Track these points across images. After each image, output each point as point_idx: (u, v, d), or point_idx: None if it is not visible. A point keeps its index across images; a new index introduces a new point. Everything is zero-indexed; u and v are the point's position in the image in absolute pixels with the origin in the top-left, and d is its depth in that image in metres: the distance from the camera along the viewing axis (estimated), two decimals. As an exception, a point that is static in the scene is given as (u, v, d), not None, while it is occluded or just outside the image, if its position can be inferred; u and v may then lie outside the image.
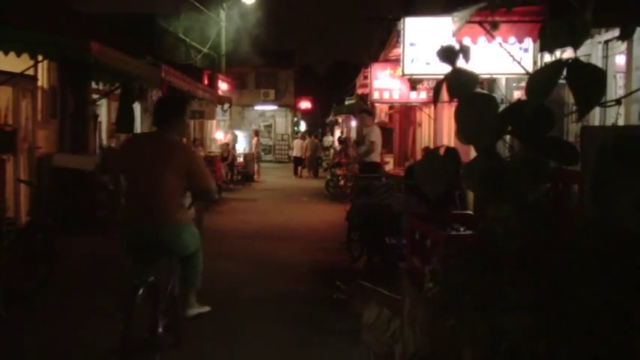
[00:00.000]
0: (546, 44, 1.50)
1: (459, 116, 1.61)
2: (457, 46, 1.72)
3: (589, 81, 1.36)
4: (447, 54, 1.67)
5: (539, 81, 1.42)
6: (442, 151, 1.64)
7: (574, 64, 1.37)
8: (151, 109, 14.53)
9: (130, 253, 4.99)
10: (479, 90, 1.64)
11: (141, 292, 4.54)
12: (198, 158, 5.29)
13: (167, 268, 5.03)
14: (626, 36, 1.60)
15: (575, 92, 1.37)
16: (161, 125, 5.05)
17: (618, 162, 1.21)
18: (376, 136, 11.81)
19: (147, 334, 4.78)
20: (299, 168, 29.14)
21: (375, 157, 12.12)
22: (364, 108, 14.51)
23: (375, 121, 21.48)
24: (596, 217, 1.45)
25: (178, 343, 5.29)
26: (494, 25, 5.10)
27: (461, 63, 1.71)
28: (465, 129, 1.58)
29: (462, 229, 5.28)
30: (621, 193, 1.21)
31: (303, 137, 30.96)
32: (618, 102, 1.49)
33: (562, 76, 1.42)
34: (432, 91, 10.90)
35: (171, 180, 4.83)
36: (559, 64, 1.39)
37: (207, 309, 6.15)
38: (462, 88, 1.60)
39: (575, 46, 1.47)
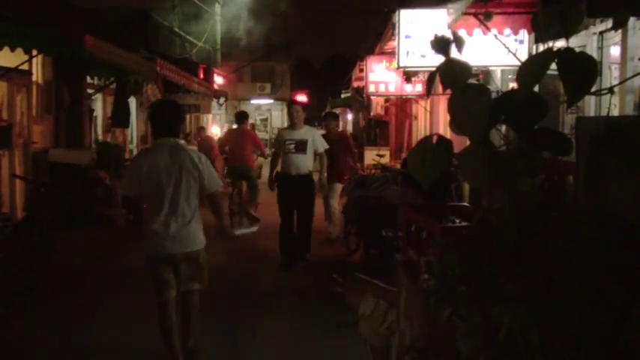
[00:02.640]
0: (539, 34, 1.49)
1: (452, 107, 1.60)
2: (451, 37, 1.71)
3: (580, 70, 1.35)
4: (441, 44, 1.67)
5: (530, 69, 1.42)
6: (435, 139, 1.63)
7: (565, 52, 1.37)
8: (146, 104, 14.55)
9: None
10: (472, 81, 1.64)
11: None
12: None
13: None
14: (619, 25, 1.59)
15: (565, 81, 1.37)
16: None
17: (611, 151, 1.21)
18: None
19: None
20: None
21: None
22: (332, 113, 13.45)
23: (371, 114, 21.51)
24: (589, 206, 1.44)
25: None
26: (488, 16, 5.10)
27: (455, 54, 1.70)
28: (458, 119, 1.58)
29: (457, 221, 5.30)
30: (614, 182, 1.20)
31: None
32: (610, 91, 1.48)
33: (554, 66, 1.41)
34: (427, 84, 10.89)
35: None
36: (550, 53, 1.38)
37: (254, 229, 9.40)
38: (456, 79, 1.59)
39: (568, 36, 1.46)
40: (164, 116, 5.00)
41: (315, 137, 8.69)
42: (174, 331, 4.77)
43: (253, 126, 30.24)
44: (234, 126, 13.20)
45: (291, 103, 9.43)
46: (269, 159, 9.64)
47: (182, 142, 5.22)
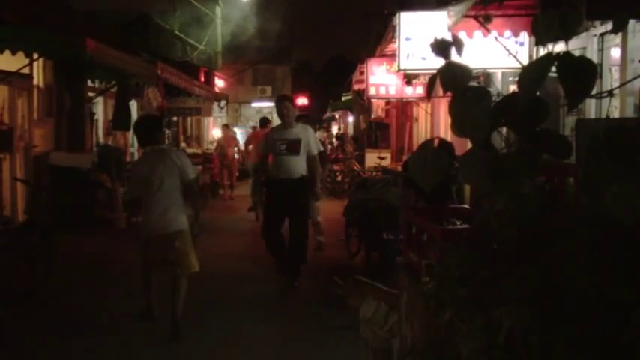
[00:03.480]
0: (538, 37, 1.50)
1: (453, 109, 1.61)
2: (451, 40, 1.72)
3: (580, 73, 1.36)
4: (441, 47, 1.67)
5: (531, 74, 1.43)
6: (436, 142, 1.64)
7: (564, 56, 1.37)
8: (147, 107, 14.58)
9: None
10: (473, 84, 1.64)
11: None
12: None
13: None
14: (619, 28, 1.60)
15: (565, 84, 1.38)
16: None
17: (611, 153, 1.22)
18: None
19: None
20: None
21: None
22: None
23: (372, 116, 21.52)
24: (589, 208, 1.45)
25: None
26: (487, 18, 5.11)
27: (455, 57, 1.71)
28: (459, 122, 1.58)
29: (458, 223, 5.29)
30: (613, 184, 1.21)
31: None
32: (610, 93, 1.49)
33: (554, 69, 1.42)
34: (428, 86, 10.88)
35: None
36: (550, 57, 1.39)
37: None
38: (456, 82, 1.60)
39: (567, 38, 1.47)
40: (146, 129, 6.36)
41: (309, 137, 7.77)
42: (150, 288, 6.18)
43: (255, 128, 30.27)
44: (258, 129, 16.27)
45: (279, 99, 8.09)
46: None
47: (163, 146, 6.43)
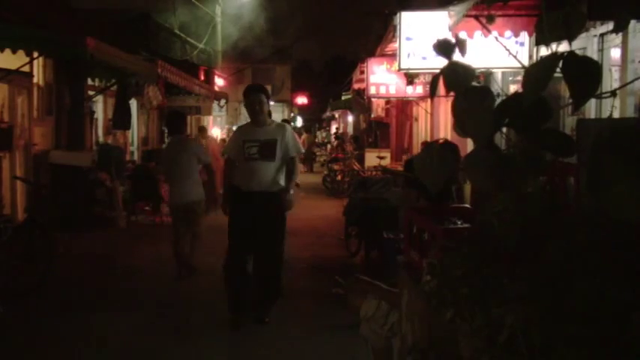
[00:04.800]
0: (542, 37, 1.50)
1: (456, 110, 1.61)
2: (453, 40, 1.73)
3: (584, 73, 1.37)
4: (444, 47, 1.68)
5: (536, 74, 1.43)
6: (440, 143, 1.64)
7: (569, 57, 1.38)
8: (147, 105, 14.60)
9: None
10: (475, 83, 1.65)
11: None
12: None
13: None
14: (620, 28, 1.60)
15: (570, 85, 1.38)
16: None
17: (612, 153, 1.22)
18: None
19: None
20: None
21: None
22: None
23: (372, 116, 21.55)
24: (591, 208, 1.45)
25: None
26: (490, 19, 5.10)
27: (457, 57, 1.71)
28: (462, 122, 1.59)
29: (459, 223, 5.31)
30: (615, 184, 1.21)
31: (299, 133, 31.04)
32: (613, 94, 1.50)
33: (558, 70, 1.42)
34: (428, 86, 10.86)
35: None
36: (555, 57, 1.40)
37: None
38: (459, 82, 1.61)
39: (571, 39, 1.47)
40: (174, 122, 8.42)
41: (287, 137, 6.14)
42: (180, 238, 7.98)
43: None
44: None
45: (251, 90, 6.32)
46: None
47: (183, 136, 8.37)
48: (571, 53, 1.39)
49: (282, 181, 6.12)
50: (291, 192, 6.27)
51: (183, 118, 8.62)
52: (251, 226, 6.01)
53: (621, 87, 5.69)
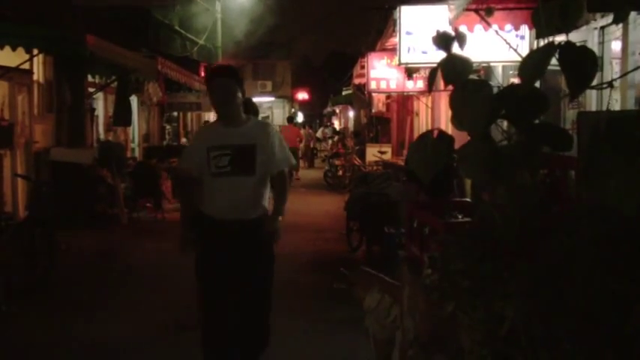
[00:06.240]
0: (539, 28, 1.50)
1: (453, 102, 1.61)
2: (453, 33, 1.72)
3: (581, 63, 1.36)
4: (443, 40, 1.68)
5: (532, 63, 1.43)
6: (435, 134, 1.64)
7: (566, 46, 1.37)
8: (148, 102, 14.59)
9: None
10: (473, 77, 1.64)
11: None
12: None
13: None
14: (619, 19, 1.59)
15: (567, 74, 1.38)
16: None
17: (612, 146, 1.22)
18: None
19: None
20: (296, 158, 29.18)
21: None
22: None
23: (373, 111, 21.53)
24: (590, 201, 1.45)
25: None
26: (489, 11, 5.10)
27: (457, 50, 1.71)
28: (459, 115, 1.59)
29: (460, 217, 5.32)
30: (615, 177, 1.21)
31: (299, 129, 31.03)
32: (610, 84, 1.49)
33: (555, 60, 1.42)
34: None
35: None
36: (551, 46, 1.39)
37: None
38: (457, 74, 1.60)
39: (568, 30, 1.47)
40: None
41: (270, 140, 4.25)
42: None
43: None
44: (287, 123, 19.96)
45: (218, 73, 4.47)
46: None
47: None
48: (567, 42, 1.38)
49: (265, 202, 4.32)
50: (279, 218, 4.38)
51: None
52: (229, 270, 4.21)
53: (619, 77, 5.68)
